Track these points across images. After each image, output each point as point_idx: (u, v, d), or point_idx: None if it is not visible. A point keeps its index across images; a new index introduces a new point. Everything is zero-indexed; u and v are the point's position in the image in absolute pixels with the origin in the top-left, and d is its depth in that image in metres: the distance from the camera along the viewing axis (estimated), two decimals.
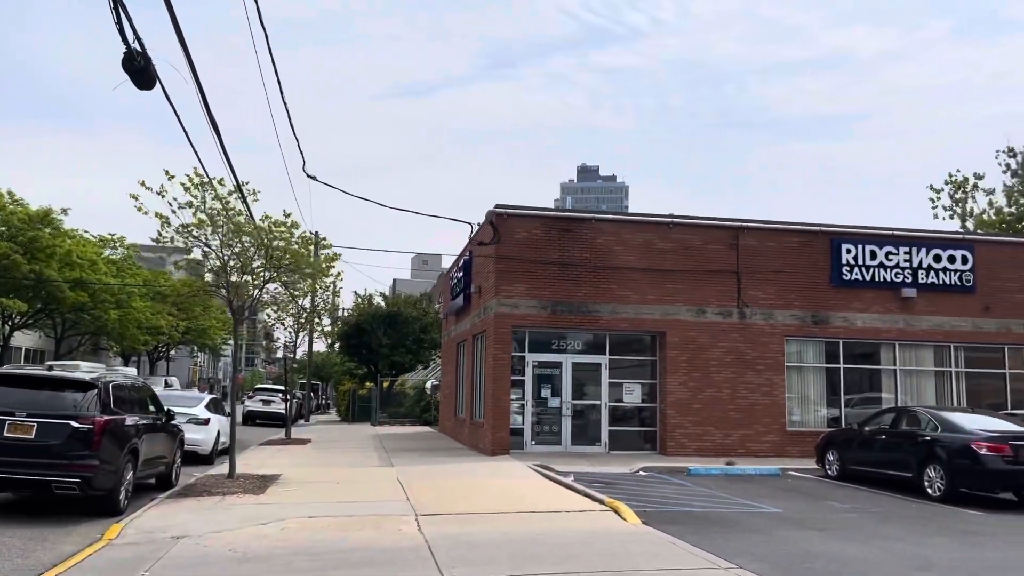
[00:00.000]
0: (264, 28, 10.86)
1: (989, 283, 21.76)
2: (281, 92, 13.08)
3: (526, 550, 8.86)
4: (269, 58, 11.67)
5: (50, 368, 12.13)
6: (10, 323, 40.79)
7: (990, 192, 38.25)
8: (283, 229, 14.63)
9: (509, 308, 19.45)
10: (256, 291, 15.47)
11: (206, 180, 13.86)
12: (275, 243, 14.39)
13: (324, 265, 17.94)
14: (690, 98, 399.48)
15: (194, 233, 14.12)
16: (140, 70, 8.73)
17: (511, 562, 8.27)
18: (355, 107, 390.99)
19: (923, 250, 21.43)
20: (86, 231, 44.89)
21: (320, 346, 53.20)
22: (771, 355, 20.57)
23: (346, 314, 44.69)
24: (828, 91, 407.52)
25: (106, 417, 10.88)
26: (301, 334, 27.91)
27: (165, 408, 13.88)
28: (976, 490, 13.86)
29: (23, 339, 46.97)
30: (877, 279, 21.13)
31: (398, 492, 13.06)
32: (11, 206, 36.68)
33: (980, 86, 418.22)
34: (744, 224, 20.82)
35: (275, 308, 21.00)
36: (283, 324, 25.15)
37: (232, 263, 14.37)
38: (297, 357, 42.30)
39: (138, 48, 8.52)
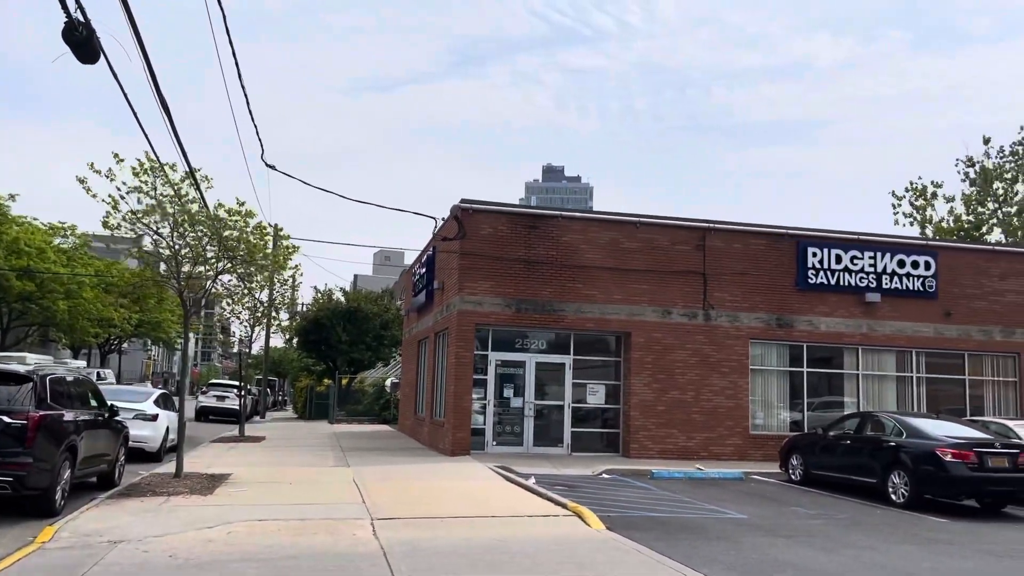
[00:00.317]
0: (221, 5, 10.28)
1: (950, 289, 21.87)
2: (239, 74, 12.48)
3: (487, 558, 8.46)
4: (227, 38, 11.09)
5: None
6: None
7: (951, 199, 38.80)
8: (237, 218, 13.98)
9: (473, 305, 19.02)
10: (209, 283, 14.84)
11: (157, 165, 13.20)
12: (226, 233, 13.74)
13: (282, 258, 17.28)
14: (655, 101, 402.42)
15: (143, 220, 13.45)
16: (82, 42, 8.12)
17: (472, 571, 7.86)
18: (317, 101, 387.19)
19: (887, 255, 21.45)
20: (36, 218, 43.49)
21: (278, 341, 52.26)
22: (736, 358, 20.40)
23: (305, 309, 43.85)
24: (790, 97, 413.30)
25: (42, 412, 10.24)
26: (257, 328, 27.16)
27: (108, 403, 13.21)
28: (941, 497, 13.77)
29: None
30: (842, 283, 21.09)
31: (354, 494, 12.56)
32: None
33: (937, 97, 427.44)
34: (711, 225, 20.62)
35: (230, 301, 20.32)
36: (238, 318, 24.41)
37: (184, 252, 13.73)
38: (253, 352, 41.48)
39: (80, 18, 7.93)
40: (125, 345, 70.40)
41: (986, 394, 22.24)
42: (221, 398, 36.90)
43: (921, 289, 21.55)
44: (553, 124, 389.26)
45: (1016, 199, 37.67)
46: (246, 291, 19.15)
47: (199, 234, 13.80)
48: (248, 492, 12.55)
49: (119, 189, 13.23)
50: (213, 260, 14.23)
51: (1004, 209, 37.92)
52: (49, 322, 45.65)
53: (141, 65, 8.81)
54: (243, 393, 26.96)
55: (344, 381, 41.21)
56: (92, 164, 13.10)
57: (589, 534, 9.89)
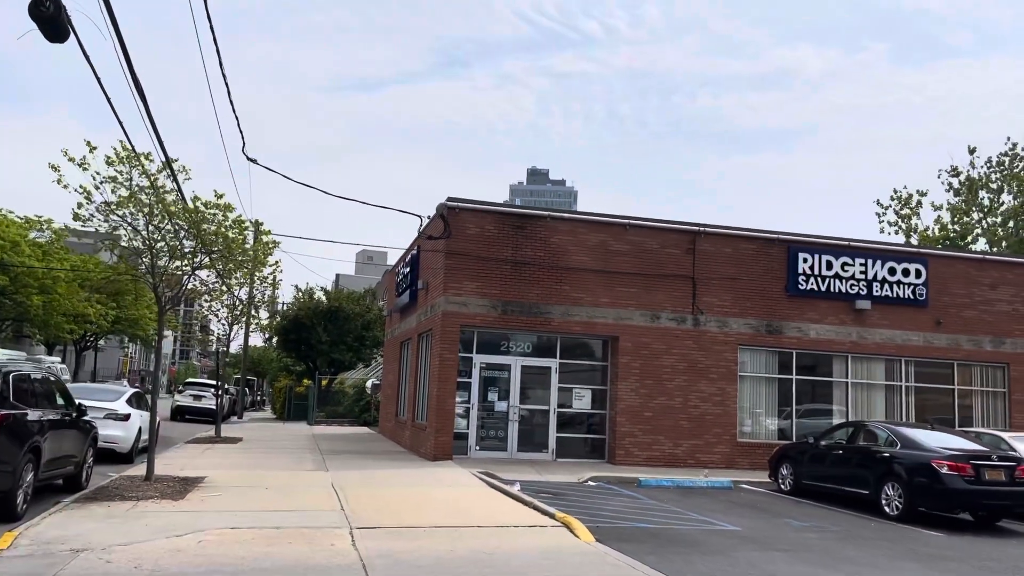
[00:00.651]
0: None
1: (941, 298, 21.65)
2: (219, 61, 11.97)
3: (472, 571, 8.01)
4: (207, 23, 10.59)
5: None
6: None
7: (939, 208, 38.79)
8: (215, 211, 13.43)
9: (458, 306, 18.56)
10: (185, 278, 14.28)
11: (132, 155, 12.64)
12: (203, 226, 13.18)
13: (262, 254, 16.73)
14: (640, 107, 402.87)
15: (117, 212, 12.88)
16: (50, 18, 7.62)
17: None
18: (299, 98, 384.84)
19: (879, 262, 21.20)
20: (11, 211, 42.53)
21: (257, 340, 51.51)
22: (724, 364, 20.06)
23: (285, 308, 43.16)
24: (773, 105, 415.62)
25: (3, 411, 9.70)
26: (236, 327, 26.52)
27: (76, 402, 12.65)
28: (936, 510, 13.45)
29: None
30: (832, 290, 20.82)
31: (333, 501, 12.06)
32: None
33: (918, 107, 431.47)
34: (702, 228, 20.28)
35: (207, 298, 19.72)
36: (216, 315, 23.79)
37: (160, 246, 13.18)
38: (232, 351, 40.75)
39: None
40: (102, 342, 69.24)
41: (975, 404, 22.04)
42: (198, 397, 36.19)
43: (911, 297, 21.31)
44: (538, 127, 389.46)
45: (1001, 209, 37.73)
46: (224, 288, 18.54)
47: (175, 227, 13.25)
48: (222, 497, 12.02)
49: (93, 179, 12.67)
50: (190, 255, 13.68)
51: (989, 219, 37.96)
52: (23, 317, 44.67)
53: (113, 44, 8.28)
54: (220, 393, 26.27)
55: (324, 382, 40.56)
56: (66, 151, 12.53)
57: (578, 546, 9.45)
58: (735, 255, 20.43)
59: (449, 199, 18.83)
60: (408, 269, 23.34)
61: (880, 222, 39.89)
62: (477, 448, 18.98)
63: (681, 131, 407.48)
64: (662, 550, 9.65)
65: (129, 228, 13.14)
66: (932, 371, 21.76)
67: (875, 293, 21.05)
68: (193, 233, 13.09)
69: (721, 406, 19.90)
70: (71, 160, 12.62)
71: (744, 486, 16.99)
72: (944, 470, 12.82)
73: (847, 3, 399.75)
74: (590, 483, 16.01)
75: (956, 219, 38.37)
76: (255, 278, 21.97)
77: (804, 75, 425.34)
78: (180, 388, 42.64)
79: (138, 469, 14.23)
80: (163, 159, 12.46)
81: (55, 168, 12.54)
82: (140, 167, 12.75)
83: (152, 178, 12.93)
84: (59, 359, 34.81)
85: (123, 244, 14.25)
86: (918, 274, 21.40)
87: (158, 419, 14.54)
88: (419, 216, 19.88)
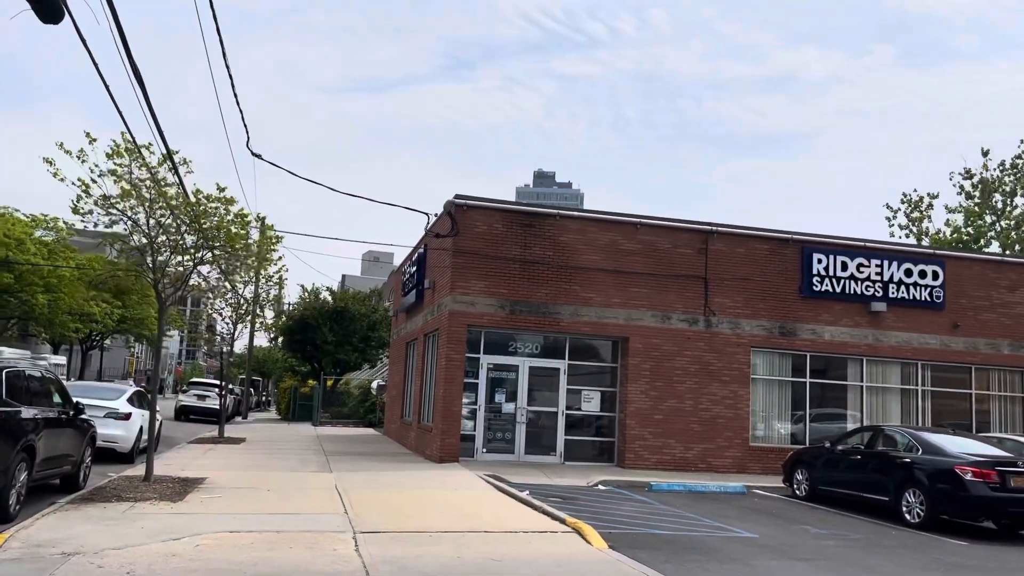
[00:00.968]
0: None
1: (958, 301, 21.19)
2: (223, 55, 11.66)
3: None
4: (211, 13, 10.25)
5: None
6: None
7: (953, 210, 38.29)
8: (217, 204, 13.07)
9: (465, 306, 18.19)
10: (188, 273, 13.94)
11: (133, 147, 12.31)
12: (204, 221, 12.83)
13: (265, 249, 16.37)
14: (646, 109, 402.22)
15: (117, 206, 12.56)
16: None
17: None
18: (305, 100, 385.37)
19: (894, 264, 20.76)
20: (17, 210, 42.36)
21: (262, 340, 51.18)
22: (737, 366, 19.65)
23: (291, 308, 42.86)
24: (778, 108, 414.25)
25: None
26: (240, 326, 26.18)
27: (74, 401, 12.32)
28: (958, 517, 12.99)
29: None
30: (848, 291, 20.38)
31: (336, 503, 11.70)
32: None
33: (924, 111, 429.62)
34: (714, 228, 19.87)
35: (210, 296, 19.39)
36: (220, 314, 23.44)
37: (161, 240, 12.84)
38: (237, 351, 40.41)
39: None
40: (107, 341, 69.08)
41: (992, 409, 21.56)
42: (202, 397, 35.89)
43: (928, 299, 20.86)
44: (543, 130, 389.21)
45: (1015, 213, 37.20)
46: (228, 286, 18.21)
47: (177, 221, 12.92)
48: (222, 499, 11.67)
49: (92, 171, 12.35)
50: (192, 250, 13.35)
51: (1003, 222, 37.44)
52: (28, 316, 44.49)
53: (108, 26, 7.95)
54: (224, 392, 25.93)
55: (329, 382, 40.26)
56: (62, 144, 12.20)
57: (591, 553, 9.07)
58: (748, 255, 20.02)
59: (457, 196, 18.48)
60: (414, 268, 22.98)
61: (891, 225, 39.40)
62: (484, 450, 18.60)
63: (687, 134, 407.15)
64: (678, 558, 9.27)
65: (129, 223, 12.81)
66: (949, 375, 21.30)
67: (891, 295, 20.61)
68: (195, 228, 12.75)
69: (733, 409, 19.48)
70: (68, 152, 12.28)
71: (757, 491, 16.57)
72: (968, 476, 12.38)
73: (852, 7, 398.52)
74: (600, 487, 15.62)
75: (970, 222, 37.85)
76: (260, 277, 21.64)
77: (809, 78, 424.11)
78: (184, 388, 42.35)
79: (138, 469, 13.90)
80: (163, 151, 12.12)
81: (50, 162, 12.21)
82: (140, 159, 12.41)
83: (153, 171, 12.59)
84: (64, 359, 34.63)
85: (123, 238, 13.92)
86: (935, 276, 20.95)
87: (159, 419, 14.21)
88: (426, 214, 19.56)
